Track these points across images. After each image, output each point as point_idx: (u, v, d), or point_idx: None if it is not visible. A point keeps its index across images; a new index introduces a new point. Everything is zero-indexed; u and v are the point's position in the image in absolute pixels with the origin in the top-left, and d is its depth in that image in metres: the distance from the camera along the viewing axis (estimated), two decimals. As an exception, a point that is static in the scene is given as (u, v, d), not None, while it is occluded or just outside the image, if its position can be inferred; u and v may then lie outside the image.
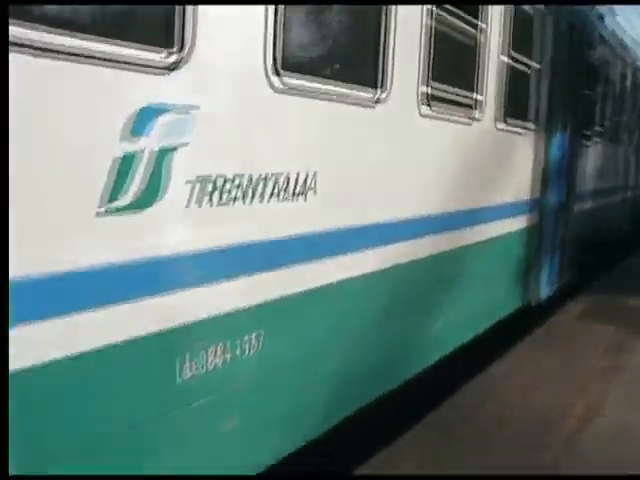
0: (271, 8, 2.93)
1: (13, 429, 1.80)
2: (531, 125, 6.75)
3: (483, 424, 4.84)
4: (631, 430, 5.01)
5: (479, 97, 5.35)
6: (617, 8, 11.03)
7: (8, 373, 1.84)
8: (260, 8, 2.90)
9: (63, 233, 2.21)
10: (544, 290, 7.54)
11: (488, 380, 5.77)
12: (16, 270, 1.99)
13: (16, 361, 2.00)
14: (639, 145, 14.64)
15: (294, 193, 3.16)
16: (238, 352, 2.96)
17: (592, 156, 9.71)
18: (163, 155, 2.49)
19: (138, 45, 2.39)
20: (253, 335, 3.03)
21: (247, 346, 3.02)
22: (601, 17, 10.91)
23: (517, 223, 6.59)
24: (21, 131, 2.02)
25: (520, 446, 4.56)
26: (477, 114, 5.33)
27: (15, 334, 2.00)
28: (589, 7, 9.74)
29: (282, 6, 3.00)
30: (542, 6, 6.62)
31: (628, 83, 12.29)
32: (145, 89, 2.44)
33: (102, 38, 2.26)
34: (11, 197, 1.96)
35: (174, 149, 2.53)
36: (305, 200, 3.25)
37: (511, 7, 5.74)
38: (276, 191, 3.04)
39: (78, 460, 2.32)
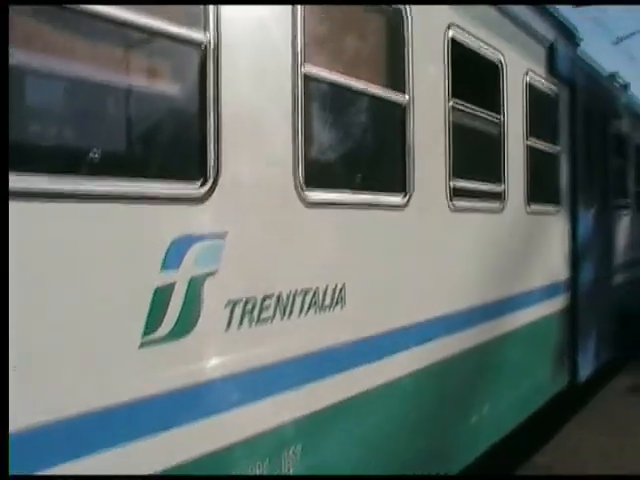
0: (292, 123, 3.05)
1: None
2: (556, 206, 6.77)
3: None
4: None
5: (505, 185, 5.42)
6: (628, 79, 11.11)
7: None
8: (285, 125, 3.03)
9: (109, 366, 2.27)
10: (583, 371, 7.37)
11: (533, 471, 5.59)
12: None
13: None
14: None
15: (322, 306, 3.20)
16: (278, 467, 2.94)
17: (621, 228, 9.67)
18: (195, 283, 2.56)
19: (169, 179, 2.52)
20: (292, 450, 3.02)
21: (287, 461, 3.00)
22: (624, 86, 11.05)
23: (550, 306, 6.52)
24: (71, 273, 2.15)
25: None
26: (505, 202, 5.39)
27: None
28: (611, 77, 9.88)
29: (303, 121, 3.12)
30: (557, 82, 6.73)
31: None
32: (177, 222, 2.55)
33: (135, 177, 2.39)
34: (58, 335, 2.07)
35: (205, 277, 2.60)
36: (333, 311, 3.28)
37: (526, 92, 5.87)
38: (306, 306, 3.09)
39: None
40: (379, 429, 3.74)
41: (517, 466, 5.67)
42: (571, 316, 7.11)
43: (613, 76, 10.31)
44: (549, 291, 6.48)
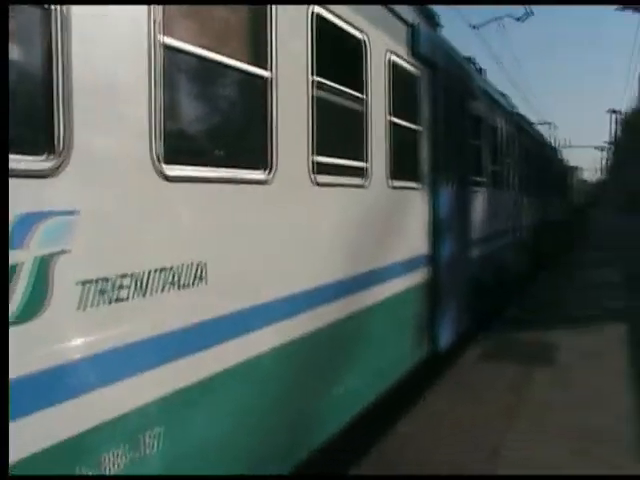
0: (149, 95, 2.94)
1: None
2: (418, 183, 7.02)
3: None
4: (530, 467, 5.20)
5: (369, 161, 5.53)
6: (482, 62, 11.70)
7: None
8: (143, 98, 2.92)
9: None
10: (442, 340, 7.76)
11: (396, 440, 5.82)
12: None
13: None
14: (521, 187, 15.55)
15: (183, 284, 3.13)
16: (138, 453, 2.87)
17: (477, 205, 10.20)
18: (43, 263, 2.42)
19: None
20: (153, 432, 2.95)
21: (148, 443, 2.93)
22: (480, 71, 11.62)
23: (411, 279, 6.78)
24: None
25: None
26: (368, 177, 5.51)
27: None
28: (468, 62, 10.35)
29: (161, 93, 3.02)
30: (419, 63, 6.94)
31: (505, 131, 13.08)
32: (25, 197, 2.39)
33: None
34: None
35: (54, 256, 2.46)
36: (195, 289, 3.22)
37: (389, 71, 6.01)
38: (165, 285, 3.01)
39: None
40: (244, 405, 3.74)
41: (380, 435, 5.89)
42: (431, 289, 7.44)
43: (470, 60, 10.82)
44: (410, 265, 6.73)
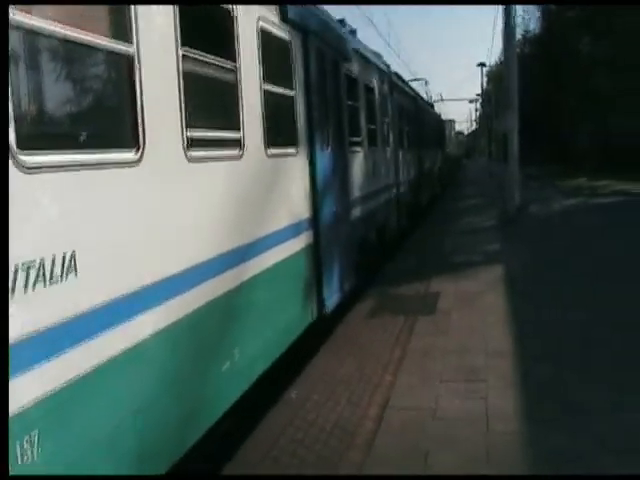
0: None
1: None
2: (295, 148, 7.05)
3: (285, 456, 4.97)
4: (413, 417, 5.49)
5: (244, 130, 5.48)
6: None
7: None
8: None
9: None
10: (329, 302, 7.93)
11: (285, 407, 5.94)
12: None
13: None
14: (398, 144, 15.96)
15: (52, 279, 3.00)
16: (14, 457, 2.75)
17: (356, 165, 10.38)
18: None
19: None
20: (30, 436, 2.84)
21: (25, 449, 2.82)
22: (352, 32, 11.70)
23: (294, 245, 6.84)
24: None
25: (322, 467, 4.77)
26: (244, 148, 5.46)
27: None
28: (339, 25, 10.39)
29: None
30: (290, 28, 6.90)
31: (379, 90, 13.31)
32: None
33: None
34: None
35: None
36: (65, 282, 3.09)
37: (260, 38, 5.94)
38: (31, 281, 2.88)
39: None
40: (132, 393, 3.67)
41: (272, 403, 5.99)
42: (315, 252, 7.54)
43: (342, 22, 10.87)
44: (292, 230, 6.78)
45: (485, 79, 76.17)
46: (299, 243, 7.03)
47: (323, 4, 9.13)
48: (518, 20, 40.62)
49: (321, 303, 7.71)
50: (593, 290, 9.57)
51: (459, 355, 6.99)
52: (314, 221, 7.54)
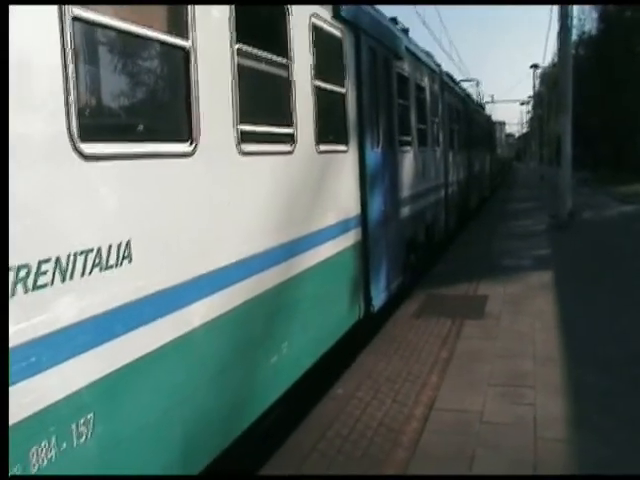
0: (65, 70, 2.83)
1: None
2: (345, 145, 7.03)
3: (331, 450, 4.97)
4: (460, 419, 5.41)
5: (295, 126, 5.50)
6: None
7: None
8: (55, 72, 2.80)
9: None
10: (376, 300, 7.89)
11: (332, 403, 5.93)
12: None
13: None
14: (448, 144, 15.81)
15: (107, 265, 3.06)
16: (69, 442, 2.82)
17: (405, 164, 10.31)
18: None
19: None
20: (86, 419, 2.91)
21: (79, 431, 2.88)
22: (405, 31, 11.63)
23: (343, 242, 6.83)
24: None
25: (367, 464, 4.75)
26: (295, 143, 5.48)
27: None
28: (391, 23, 10.34)
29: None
30: (343, 25, 6.90)
31: (430, 89, 13.20)
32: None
33: None
34: None
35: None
36: (120, 269, 3.15)
37: (312, 35, 5.95)
38: (88, 267, 2.94)
39: None
40: (181, 381, 3.72)
41: (319, 398, 5.99)
42: (363, 250, 7.52)
43: (394, 20, 10.82)
44: (341, 228, 6.78)
45: (537, 81, 74.86)
46: (348, 240, 7.02)
47: (377, 4, 9.11)
48: (574, 22, 39.74)
49: (368, 301, 7.69)
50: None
51: (507, 359, 6.87)
52: (363, 219, 7.52)
